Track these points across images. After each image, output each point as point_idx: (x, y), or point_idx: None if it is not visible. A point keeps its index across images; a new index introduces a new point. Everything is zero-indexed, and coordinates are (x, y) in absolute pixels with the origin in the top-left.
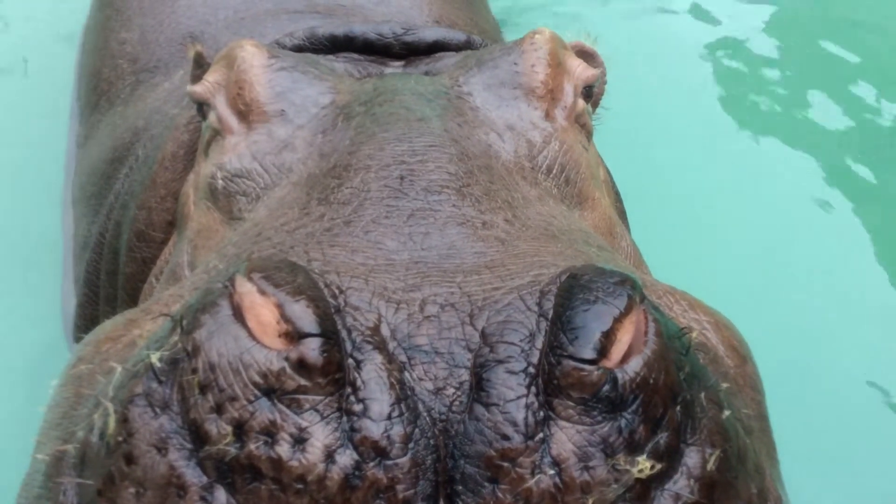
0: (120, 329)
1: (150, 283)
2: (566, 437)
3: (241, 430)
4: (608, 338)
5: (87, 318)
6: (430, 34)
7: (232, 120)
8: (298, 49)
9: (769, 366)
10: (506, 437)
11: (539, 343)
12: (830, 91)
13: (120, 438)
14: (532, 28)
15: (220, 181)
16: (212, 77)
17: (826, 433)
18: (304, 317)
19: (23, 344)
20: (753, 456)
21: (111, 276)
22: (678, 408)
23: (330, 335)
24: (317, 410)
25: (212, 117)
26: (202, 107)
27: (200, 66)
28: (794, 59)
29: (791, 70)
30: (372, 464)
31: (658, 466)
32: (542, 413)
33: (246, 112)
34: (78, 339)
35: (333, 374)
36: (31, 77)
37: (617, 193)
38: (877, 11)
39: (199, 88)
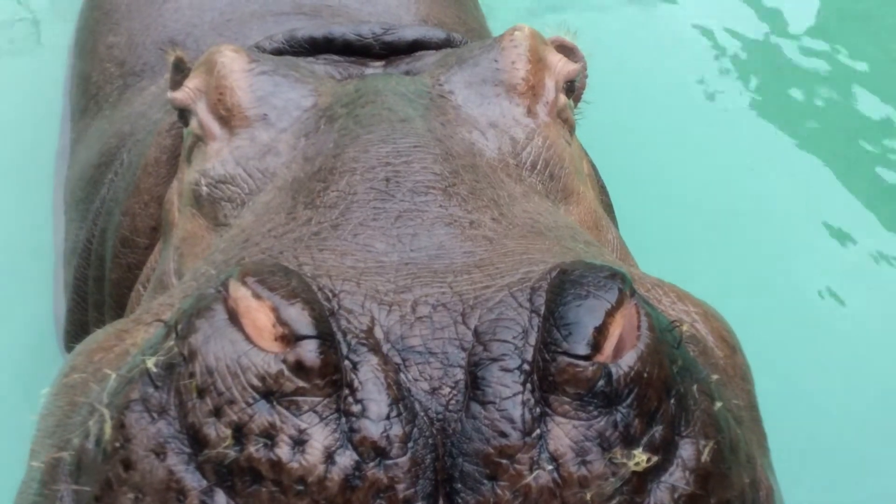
0: (112, 339)
1: (138, 290)
2: (563, 433)
3: (240, 432)
4: (601, 332)
5: (77, 324)
6: (410, 33)
7: (214, 126)
8: (278, 52)
9: (758, 355)
10: (503, 435)
11: (532, 339)
12: (824, 81)
13: (117, 444)
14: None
15: (205, 188)
16: (192, 83)
17: (816, 422)
18: (300, 319)
19: (14, 350)
20: (745, 446)
21: (98, 283)
22: (672, 401)
23: (326, 337)
24: (315, 412)
25: (193, 123)
26: (184, 113)
27: (181, 72)
28: (784, 50)
29: (781, 61)
30: (372, 464)
31: (654, 459)
32: (538, 409)
33: (228, 117)
34: (69, 346)
35: (331, 376)
36: (25, 79)
37: (602, 187)
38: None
39: (179, 95)
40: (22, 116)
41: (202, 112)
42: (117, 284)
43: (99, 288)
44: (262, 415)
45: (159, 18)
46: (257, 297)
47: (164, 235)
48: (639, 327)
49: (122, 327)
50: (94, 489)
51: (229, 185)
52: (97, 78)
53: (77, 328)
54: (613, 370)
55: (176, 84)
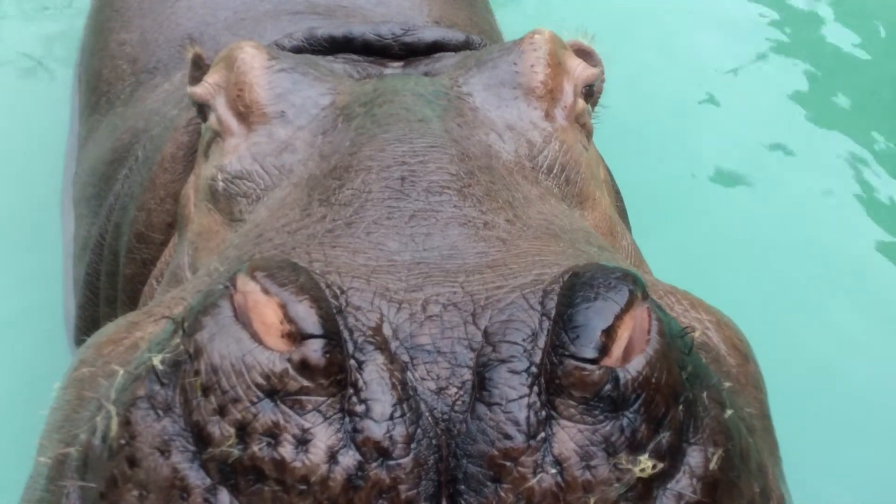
0: (122, 332)
1: (151, 285)
2: (568, 437)
3: (244, 431)
4: (609, 336)
5: (88, 319)
6: (429, 35)
7: (232, 121)
8: (297, 50)
9: (771, 364)
10: (508, 437)
11: (541, 342)
12: (836, 88)
13: (122, 441)
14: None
15: (221, 183)
16: (212, 78)
17: (829, 431)
18: (307, 318)
19: (24, 346)
20: (756, 455)
21: (111, 278)
22: (680, 407)
23: (332, 336)
24: (319, 411)
25: (212, 119)
26: (202, 108)
27: (199, 68)
28: (797, 56)
29: (795, 66)
30: (374, 464)
31: (660, 466)
32: (544, 412)
33: (246, 114)
34: (79, 341)
35: (336, 376)
36: (32, 77)
37: (617, 192)
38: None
39: (199, 90)
40: (30, 113)
41: (221, 107)
42: (131, 280)
43: (112, 283)
44: (266, 414)
45: (172, 16)
46: (265, 292)
47: (180, 230)
48: (649, 331)
49: (132, 319)
50: (99, 486)
51: (245, 181)
52: (108, 75)
53: (88, 324)
54: (621, 374)
55: (194, 80)
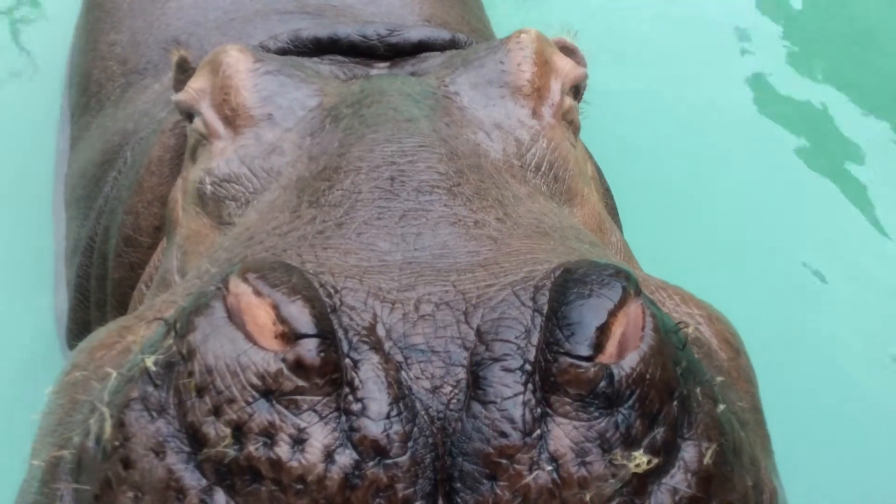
0: (114, 336)
1: (140, 289)
2: (563, 434)
3: (239, 431)
4: (603, 332)
5: (79, 322)
6: (415, 35)
7: (218, 125)
8: (283, 52)
9: (761, 358)
10: (503, 435)
11: (535, 339)
12: (828, 82)
13: (116, 443)
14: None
15: (209, 186)
16: (196, 83)
17: (818, 424)
18: (301, 317)
19: (16, 349)
20: (748, 449)
21: (101, 281)
22: (675, 403)
23: (326, 335)
24: (315, 411)
25: (197, 122)
26: (188, 112)
27: (184, 71)
28: (790, 54)
29: (787, 63)
30: (371, 463)
31: (655, 461)
32: (539, 410)
33: (232, 117)
34: (71, 345)
35: (331, 375)
36: (24, 77)
37: (607, 190)
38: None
39: (183, 97)
40: (21, 114)
41: (206, 111)
42: (120, 283)
43: (101, 287)
44: (262, 414)
45: (162, 17)
46: (258, 293)
47: (168, 234)
48: (643, 328)
49: (124, 324)
50: (93, 488)
51: (234, 184)
52: (99, 76)
53: (79, 327)
54: (615, 371)
55: (179, 84)
